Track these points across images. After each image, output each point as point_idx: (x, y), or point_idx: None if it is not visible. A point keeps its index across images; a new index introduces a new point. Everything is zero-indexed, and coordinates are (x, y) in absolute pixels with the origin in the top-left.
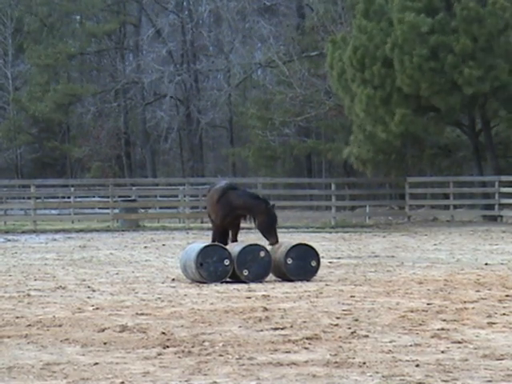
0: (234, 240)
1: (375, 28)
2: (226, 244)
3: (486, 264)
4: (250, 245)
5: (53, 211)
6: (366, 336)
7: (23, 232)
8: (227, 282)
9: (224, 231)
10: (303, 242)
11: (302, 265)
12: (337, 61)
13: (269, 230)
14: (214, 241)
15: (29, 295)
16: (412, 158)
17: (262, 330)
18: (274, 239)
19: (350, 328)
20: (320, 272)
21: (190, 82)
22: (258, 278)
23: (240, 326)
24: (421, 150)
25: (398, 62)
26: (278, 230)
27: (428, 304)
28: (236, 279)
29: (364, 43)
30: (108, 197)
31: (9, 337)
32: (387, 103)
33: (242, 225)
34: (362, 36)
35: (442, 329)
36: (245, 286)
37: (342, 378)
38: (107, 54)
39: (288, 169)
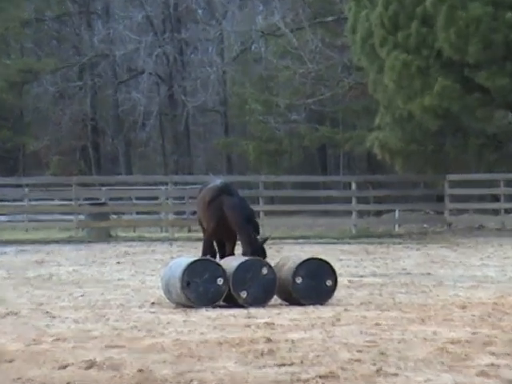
0: (231, 254)
1: None
2: (222, 258)
3: None
4: (250, 260)
5: (2, 217)
6: (395, 374)
7: None
8: (221, 307)
9: (218, 242)
10: (316, 256)
11: (315, 285)
12: (363, 21)
13: None
14: (204, 254)
15: None
16: (453, 149)
17: (264, 367)
18: None
19: (374, 364)
20: (337, 294)
21: (174, 55)
22: (260, 301)
23: (237, 362)
24: (464, 140)
25: (444, 18)
26: (285, 242)
27: (473, 334)
28: (232, 303)
29: None
30: (71, 199)
31: None
32: (425, 73)
33: None
34: None
35: (491, 364)
36: (243, 311)
37: None
38: (70, 20)
39: (297, 164)
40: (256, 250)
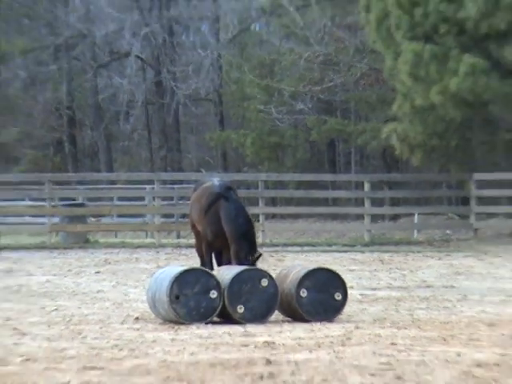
0: (227, 263)
1: None
2: (219, 266)
3: None
4: (248, 269)
5: None
6: None
7: None
8: (214, 323)
9: (215, 249)
10: (323, 266)
11: (322, 298)
12: (377, 0)
13: None
14: (202, 261)
15: None
16: (481, 145)
17: None
18: None
19: None
20: (347, 309)
21: (163, 36)
22: (259, 317)
23: None
24: (494, 134)
25: None
26: (288, 250)
27: (502, 355)
28: (227, 319)
29: None
30: (44, 199)
31: None
32: (444, 60)
33: None
34: None
35: None
36: (239, 328)
37: None
38: None
39: (302, 160)
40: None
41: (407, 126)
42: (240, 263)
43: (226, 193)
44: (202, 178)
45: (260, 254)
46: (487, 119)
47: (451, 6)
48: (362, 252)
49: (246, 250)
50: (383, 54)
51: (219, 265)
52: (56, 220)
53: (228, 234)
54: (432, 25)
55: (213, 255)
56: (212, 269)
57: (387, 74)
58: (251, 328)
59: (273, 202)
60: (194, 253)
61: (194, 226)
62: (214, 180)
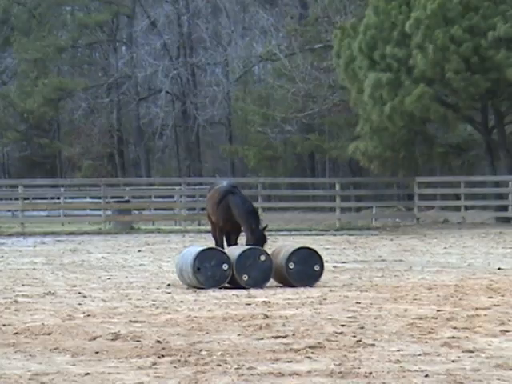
0: (235, 243)
1: (394, 8)
2: (229, 247)
3: (499, 269)
4: (250, 248)
5: (41, 213)
6: (373, 345)
7: (10, 235)
8: (226, 288)
9: (225, 234)
10: (306, 245)
11: (305, 270)
12: (345, 49)
13: None
14: (216, 242)
15: (16, 301)
16: (422, 156)
17: (262, 339)
18: None
19: (355, 336)
20: (324, 277)
21: (187, 77)
22: (259, 283)
23: (239, 334)
24: (431, 148)
25: (422, 37)
26: (280, 234)
27: (438, 311)
28: (235, 285)
29: (377, 24)
30: (100, 198)
31: None
32: (398, 86)
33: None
34: (377, 17)
35: (453, 337)
36: (244, 291)
37: None
38: (99, 47)
39: (290, 168)
40: (258, 237)
41: (367, 142)
42: (252, 232)
43: (232, 189)
44: (215, 181)
45: (266, 226)
46: (426, 136)
47: (402, 51)
48: (334, 235)
49: (255, 222)
50: (350, 89)
51: (229, 245)
52: (109, 213)
53: (238, 216)
54: (387, 64)
55: (224, 238)
56: (223, 248)
57: (352, 103)
58: (253, 291)
59: (269, 198)
60: (210, 237)
61: (209, 217)
62: (224, 182)
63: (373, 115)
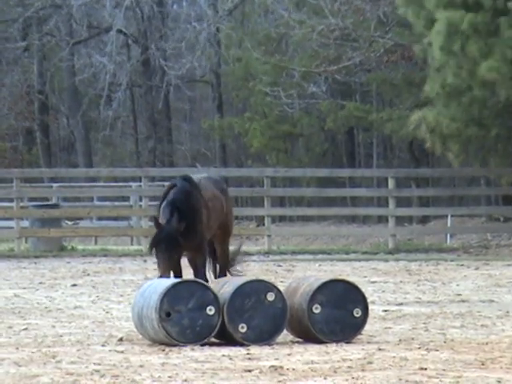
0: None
1: None
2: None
3: None
4: (251, 281)
5: None
6: None
7: None
8: (212, 345)
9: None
10: (340, 277)
11: (339, 315)
12: None
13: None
14: (196, 273)
15: None
16: None
17: None
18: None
19: None
20: (368, 327)
21: (150, 6)
22: (264, 337)
23: None
24: None
25: None
26: (298, 258)
27: None
28: (227, 339)
29: None
30: (12, 200)
31: None
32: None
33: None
34: None
35: None
36: (242, 350)
37: None
38: None
39: (315, 153)
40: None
41: (440, 112)
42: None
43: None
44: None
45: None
46: None
47: None
48: (386, 261)
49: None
50: (411, 26)
51: (214, 272)
52: (26, 224)
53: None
54: None
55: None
56: (207, 280)
57: (417, 48)
58: (255, 350)
59: (281, 202)
60: (186, 263)
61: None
62: (204, 175)
63: (448, 76)
